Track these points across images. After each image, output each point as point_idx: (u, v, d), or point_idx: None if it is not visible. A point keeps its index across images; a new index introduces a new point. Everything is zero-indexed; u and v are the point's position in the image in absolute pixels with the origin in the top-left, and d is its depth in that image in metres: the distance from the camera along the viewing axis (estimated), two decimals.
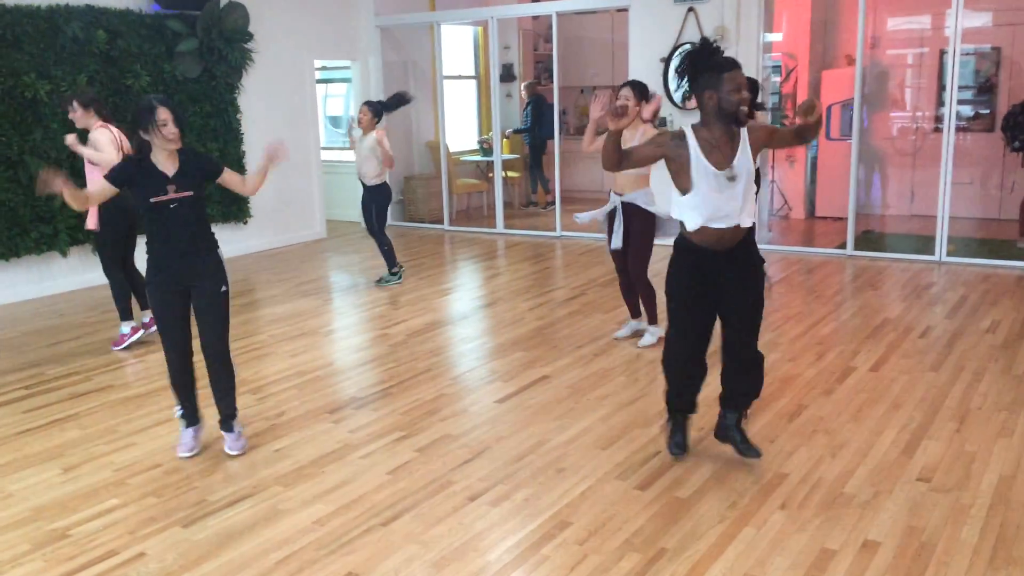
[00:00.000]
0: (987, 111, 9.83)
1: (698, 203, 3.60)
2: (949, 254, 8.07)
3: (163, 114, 3.83)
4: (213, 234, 4.15)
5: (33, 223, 7.51)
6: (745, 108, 3.52)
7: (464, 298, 7.53)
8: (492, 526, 3.48)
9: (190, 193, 3.96)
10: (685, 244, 3.75)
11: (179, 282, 4.04)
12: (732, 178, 3.55)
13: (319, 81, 10.92)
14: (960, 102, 8.67)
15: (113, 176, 3.95)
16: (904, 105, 10.48)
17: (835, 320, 6.29)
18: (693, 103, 3.70)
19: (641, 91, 5.38)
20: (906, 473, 3.81)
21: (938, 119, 9.76)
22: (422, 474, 3.97)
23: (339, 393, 5.10)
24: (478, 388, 5.14)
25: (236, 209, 9.40)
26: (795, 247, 8.89)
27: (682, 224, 3.72)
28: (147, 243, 4.03)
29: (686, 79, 3.58)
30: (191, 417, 4.27)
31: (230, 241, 9.40)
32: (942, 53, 9.61)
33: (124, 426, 4.64)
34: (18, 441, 4.51)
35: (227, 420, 4.29)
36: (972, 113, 9.90)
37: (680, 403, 4.00)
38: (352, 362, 5.78)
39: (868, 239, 8.98)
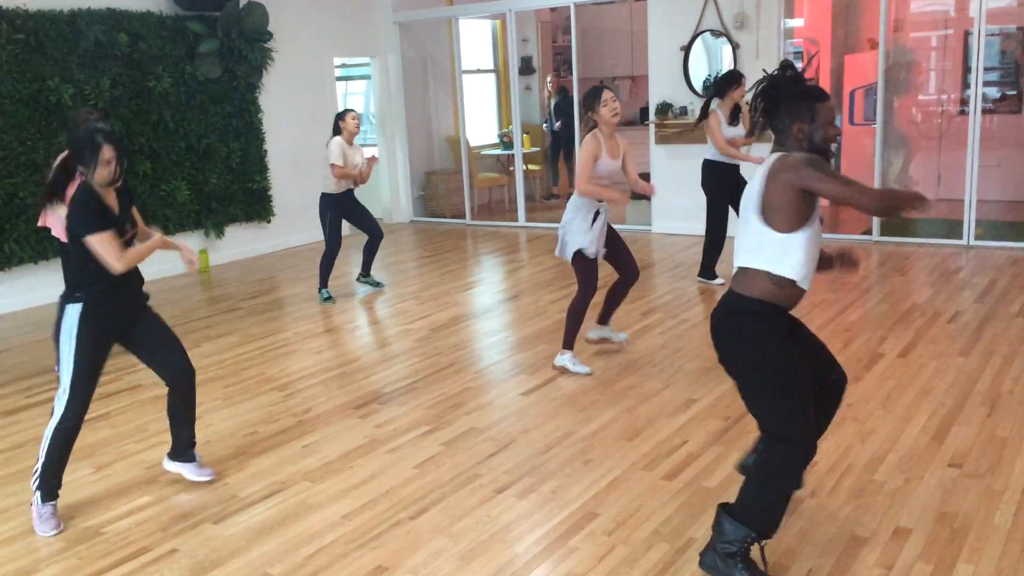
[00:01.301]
0: (1014, 92, 9.68)
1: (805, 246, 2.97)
2: (977, 237, 7.97)
3: (108, 152, 3.40)
4: None
5: None
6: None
7: (487, 292, 7.54)
8: (519, 518, 3.49)
9: (135, 232, 3.66)
10: (770, 308, 2.97)
11: (122, 326, 3.68)
12: None
13: (339, 79, 10.96)
14: (986, 84, 8.54)
15: (101, 224, 3.45)
16: (929, 88, 10.36)
17: (862, 307, 6.23)
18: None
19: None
20: (937, 459, 3.77)
21: (964, 101, 9.63)
22: (449, 467, 3.98)
23: (365, 389, 5.12)
24: (503, 381, 5.15)
25: (260, 208, 9.47)
26: None
27: (774, 278, 2.98)
28: (88, 286, 3.55)
29: (763, 109, 2.93)
30: (56, 489, 3.66)
31: (253, 240, 9.50)
32: (967, 34, 9.47)
33: (154, 424, 4.69)
34: None
35: (191, 449, 3.98)
36: (998, 94, 9.76)
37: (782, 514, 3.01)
38: (377, 358, 5.80)
39: (894, 224, 8.87)
